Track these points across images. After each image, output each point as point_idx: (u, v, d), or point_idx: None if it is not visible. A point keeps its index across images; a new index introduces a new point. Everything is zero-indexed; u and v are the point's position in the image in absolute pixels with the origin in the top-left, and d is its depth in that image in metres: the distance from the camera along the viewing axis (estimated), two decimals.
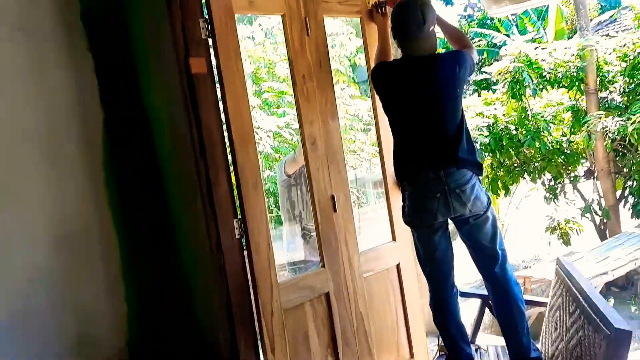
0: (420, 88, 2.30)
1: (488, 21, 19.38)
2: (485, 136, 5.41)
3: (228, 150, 2.27)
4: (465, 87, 2.43)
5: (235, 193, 2.28)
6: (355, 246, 2.67)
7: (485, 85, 7.81)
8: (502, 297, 2.39)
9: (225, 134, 2.27)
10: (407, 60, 2.36)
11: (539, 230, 6.86)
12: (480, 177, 2.41)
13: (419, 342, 2.92)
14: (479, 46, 12.08)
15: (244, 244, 2.29)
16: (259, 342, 2.32)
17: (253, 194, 2.29)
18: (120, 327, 2.43)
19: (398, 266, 2.87)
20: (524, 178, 6.20)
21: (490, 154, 5.70)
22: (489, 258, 2.38)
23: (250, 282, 2.30)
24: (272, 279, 2.33)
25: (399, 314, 2.88)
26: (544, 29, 14.94)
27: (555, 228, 6.48)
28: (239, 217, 2.27)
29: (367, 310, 2.69)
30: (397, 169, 2.43)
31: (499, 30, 15.43)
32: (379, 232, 3.08)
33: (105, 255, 2.40)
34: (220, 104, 2.24)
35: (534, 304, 3.03)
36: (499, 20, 16.83)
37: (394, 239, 2.88)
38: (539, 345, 2.61)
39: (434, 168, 2.29)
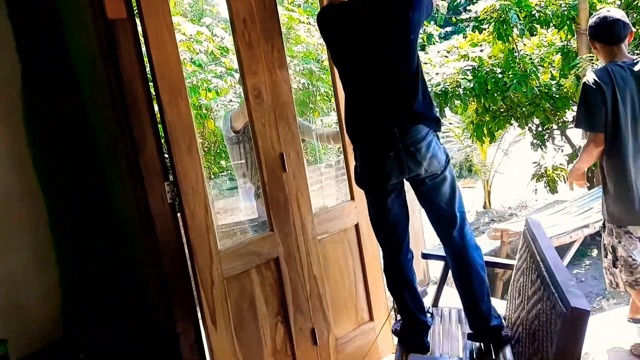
0: (370, 34, 2.05)
1: None
2: (469, 80, 5.14)
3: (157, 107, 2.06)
4: (420, 30, 2.17)
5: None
6: (309, 207, 2.49)
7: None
8: (460, 263, 2.22)
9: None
10: (355, 2, 2.10)
11: (527, 177, 6.70)
12: (438, 133, 2.19)
13: (379, 305, 2.80)
14: None
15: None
16: (199, 313, 2.18)
17: (186, 154, 2.09)
18: (53, 294, 2.28)
19: (357, 226, 2.71)
20: (511, 124, 5.97)
21: (475, 99, 5.45)
22: (446, 221, 2.19)
23: (187, 250, 2.14)
24: (212, 246, 2.16)
25: (358, 276, 2.73)
26: None
27: (542, 175, 6.30)
28: (171, 180, 2.08)
29: (322, 274, 2.55)
30: (347, 126, 2.21)
31: None
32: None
33: (32, 219, 2.23)
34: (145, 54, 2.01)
35: (500, 267, 2.88)
36: None
37: (352, 197, 2.70)
38: (504, 308, 2.48)
39: (387, 124, 2.07)
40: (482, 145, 7.37)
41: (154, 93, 2.05)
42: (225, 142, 3.10)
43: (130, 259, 2.31)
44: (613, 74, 2.66)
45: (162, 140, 2.07)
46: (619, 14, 2.75)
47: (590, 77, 2.71)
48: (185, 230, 2.11)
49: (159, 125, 2.07)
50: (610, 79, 2.65)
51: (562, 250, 4.42)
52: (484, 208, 7.85)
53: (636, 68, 2.69)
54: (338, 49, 2.17)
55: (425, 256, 2.77)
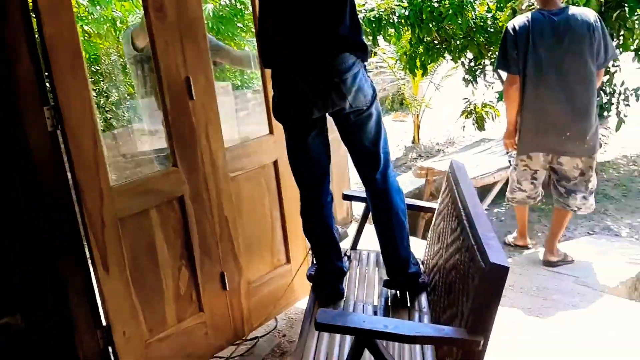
0: None
1: None
2: (405, 7, 4.91)
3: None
4: None
5: None
6: (220, 141, 2.27)
7: None
8: (381, 207, 2.10)
9: None
10: None
11: (457, 113, 6.71)
12: (366, 63, 2.00)
13: (297, 247, 2.67)
14: None
15: None
16: (89, 258, 1.96)
17: (70, 76, 1.79)
18: None
19: (275, 163, 2.52)
20: (444, 57, 5.85)
21: (409, 29, 5.25)
22: (369, 162, 2.04)
23: (72, 187, 1.88)
24: (102, 183, 1.92)
25: (275, 217, 2.57)
26: None
27: (471, 112, 6.31)
28: (52, 105, 1.79)
29: (234, 215, 2.37)
30: (261, 49, 1.96)
31: None
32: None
33: None
34: None
35: (422, 210, 2.80)
36: None
37: (271, 131, 2.49)
38: (422, 253, 2.41)
39: (306, 48, 1.85)
40: (414, 79, 7.26)
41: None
42: (126, 61, 2.77)
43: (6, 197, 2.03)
44: (532, 22, 2.99)
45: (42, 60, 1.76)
46: None
47: (510, 23, 3.10)
48: (70, 165, 1.84)
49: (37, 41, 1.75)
50: (527, 26, 3.00)
51: (484, 190, 4.44)
52: (413, 143, 7.85)
53: (556, 18, 2.98)
54: None
55: (347, 197, 2.63)
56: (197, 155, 2.18)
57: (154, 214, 2.10)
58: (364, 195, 2.29)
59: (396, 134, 8.46)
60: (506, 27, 3.10)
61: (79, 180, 1.85)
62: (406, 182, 4.95)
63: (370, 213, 2.25)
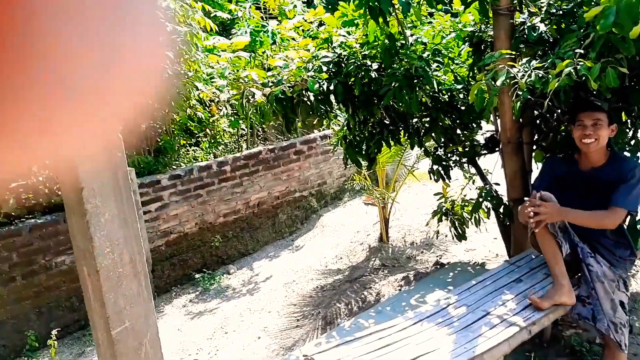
0: None
1: None
2: (324, 79, 3.38)
3: None
4: None
5: None
6: None
7: None
8: None
9: None
10: None
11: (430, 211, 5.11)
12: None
13: None
14: None
15: None
16: None
17: None
18: None
19: None
20: (399, 143, 4.29)
21: (341, 106, 3.72)
22: None
23: None
24: None
25: None
26: None
27: (446, 213, 4.69)
28: None
29: None
30: None
31: None
32: None
33: None
34: None
35: None
36: None
37: None
38: None
39: None
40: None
41: None
42: None
43: None
44: None
45: None
46: None
47: None
48: None
49: None
50: None
51: None
52: (380, 241, 6.20)
53: None
54: None
55: None
56: None
57: None
58: None
59: (365, 225, 6.83)
60: None
61: None
62: None
63: None
